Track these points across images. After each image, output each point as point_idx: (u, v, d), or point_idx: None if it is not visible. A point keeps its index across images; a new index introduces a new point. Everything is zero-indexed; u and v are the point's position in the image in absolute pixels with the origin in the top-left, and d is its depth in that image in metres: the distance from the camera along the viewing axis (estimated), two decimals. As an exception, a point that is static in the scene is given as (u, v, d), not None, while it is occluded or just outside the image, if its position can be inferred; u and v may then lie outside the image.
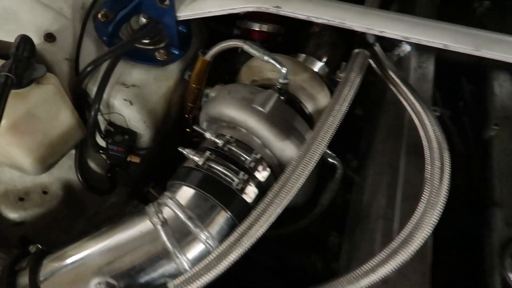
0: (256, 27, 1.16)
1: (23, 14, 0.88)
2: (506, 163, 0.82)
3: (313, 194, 0.92)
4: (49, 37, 0.88)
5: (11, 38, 0.78)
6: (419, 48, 0.99)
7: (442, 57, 1.02)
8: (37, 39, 0.85)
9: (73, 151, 1.00)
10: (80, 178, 1.00)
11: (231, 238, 0.66)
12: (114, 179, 1.03)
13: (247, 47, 0.85)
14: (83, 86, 0.91)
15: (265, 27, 1.15)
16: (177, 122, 1.12)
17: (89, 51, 0.92)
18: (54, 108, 0.83)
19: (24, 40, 0.78)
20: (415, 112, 0.79)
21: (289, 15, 0.85)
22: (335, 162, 0.92)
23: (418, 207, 0.66)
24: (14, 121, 0.76)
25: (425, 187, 0.67)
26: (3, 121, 0.73)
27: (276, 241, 0.94)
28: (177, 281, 0.63)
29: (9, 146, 0.79)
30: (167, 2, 0.90)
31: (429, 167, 0.69)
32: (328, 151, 0.94)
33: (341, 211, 0.94)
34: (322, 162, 0.93)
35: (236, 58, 1.12)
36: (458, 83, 0.99)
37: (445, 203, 0.66)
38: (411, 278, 0.68)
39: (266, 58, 0.84)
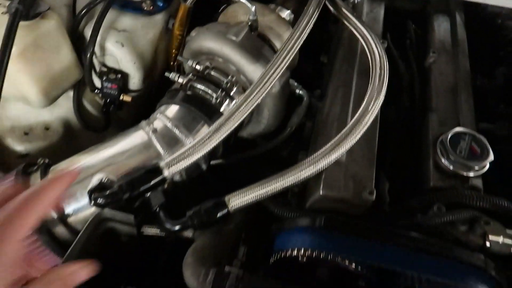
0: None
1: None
2: (441, 80, 0.98)
3: (283, 121, 1.07)
4: (50, -14, 1.01)
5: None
6: (372, -3, 1.15)
7: (392, 5, 1.19)
8: (39, -13, 0.98)
9: (71, 94, 1.13)
10: (78, 116, 1.13)
11: (212, 129, 0.79)
12: (108, 117, 1.16)
13: (222, -10, 1.00)
14: (80, 30, 1.04)
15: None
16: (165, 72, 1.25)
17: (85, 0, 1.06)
18: (56, 43, 0.96)
19: (30, -19, 0.91)
20: (365, 41, 0.94)
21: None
22: (301, 92, 1.07)
23: (361, 107, 0.81)
24: (22, 49, 0.89)
25: (367, 94, 0.82)
26: (13, 49, 0.86)
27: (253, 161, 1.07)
28: (166, 160, 0.76)
29: (18, 73, 0.92)
30: (152, -43, 1.05)
31: (372, 79, 0.84)
32: (296, 84, 1.09)
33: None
34: (291, 94, 1.09)
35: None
36: (405, 25, 1.15)
37: (381, 103, 0.81)
38: (359, 162, 0.83)
39: (238, -3, 0.98)
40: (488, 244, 0.73)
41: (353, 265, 0.72)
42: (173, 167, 0.75)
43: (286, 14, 1.15)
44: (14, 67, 0.90)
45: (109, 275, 0.69)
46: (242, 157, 1.05)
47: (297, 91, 1.06)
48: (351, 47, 1.02)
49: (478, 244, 0.74)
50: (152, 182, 0.74)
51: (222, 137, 0.78)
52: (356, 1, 1.13)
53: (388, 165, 0.89)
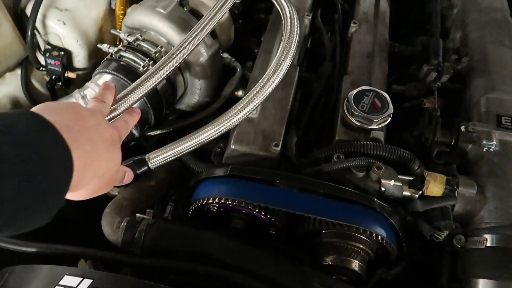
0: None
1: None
2: (359, 48, 1.04)
3: (216, 91, 1.13)
4: (-9, -33, 1.07)
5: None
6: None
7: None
8: (-20, -33, 1.04)
9: (19, 72, 1.19)
10: (25, 93, 1.19)
11: (125, 92, 0.84)
12: (55, 93, 1.22)
13: (152, -33, 1.06)
14: (21, 7, 1.10)
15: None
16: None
17: (26, -20, 1.12)
18: (-5, 20, 1.02)
19: (-33, -39, 0.97)
20: (283, 10, 0.99)
21: None
22: (234, 64, 1.13)
23: (268, 69, 0.86)
24: (-40, 24, 0.95)
25: (276, 56, 0.88)
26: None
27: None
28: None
29: (-43, 47, 0.97)
30: None
31: (283, 42, 0.90)
32: (230, 57, 1.15)
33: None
34: (225, 67, 1.15)
35: None
36: (333, 2, 1.21)
37: (289, 64, 0.86)
38: (271, 119, 0.88)
39: (167, -25, 1.04)
40: (383, 188, 0.79)
41: (261, 212, 0.77)
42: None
43: (221, -8, 1.21)
44: (-48, 42, 0.96)
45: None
46: (177, 126, 1.10)
47: (230, 63, 1.12)
48: (276, 19, 1.09)
49: (374, 189, 0.80)
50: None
51: (138, 97, 0.83)
52: (287, -21, 1.19)
53: (304, 123, 0.95)
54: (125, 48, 1.00)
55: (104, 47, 1.01)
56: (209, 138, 0.83)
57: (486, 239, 0.74)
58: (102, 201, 0.90)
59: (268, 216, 0.78)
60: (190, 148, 0.84)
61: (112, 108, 0.76)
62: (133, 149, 1.05)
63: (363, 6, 1.14)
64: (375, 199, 0.76)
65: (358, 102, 0.87)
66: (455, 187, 0.76)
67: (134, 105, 0.81)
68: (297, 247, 0.83)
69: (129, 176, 0.71)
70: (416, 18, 1.22)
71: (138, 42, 1.01)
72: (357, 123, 0.86)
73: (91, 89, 0.96)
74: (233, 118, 0.83)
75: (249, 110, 0.83)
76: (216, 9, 0.96)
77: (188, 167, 0.93)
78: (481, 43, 0.99)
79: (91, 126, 0.53)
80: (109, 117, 0.73)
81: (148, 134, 1.09)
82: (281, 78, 0.86)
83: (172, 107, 1.15)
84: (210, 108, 1.11)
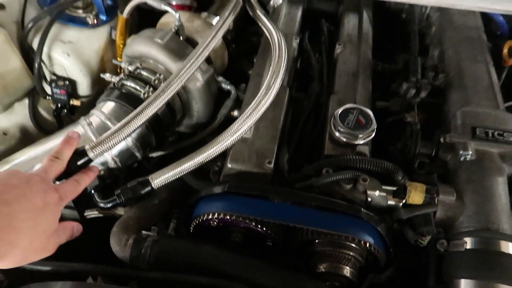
0: (174, 1, 1.45)
1: (-21, -9, 1.15)
2: (344, 68, 1.11)
3: (212, 113, 1.20)
4: (0, 7, 1.16)
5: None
6: (290, 1, 1.30)
7: (309, 7, 1.34)
8: (-10, 8, 1.13)
9: (27, 102, 1.26)
10: (33, 121, 1.26)
11: (129, 118, 0.91)
12: (61, 121, 1.29)
13: (149, 1, 1.14)
14: (28, 42, 1.18)
15: (180, 1, 1.45)
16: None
17: (32, 17, 1.19)
18: (5, 54, 1.10)
19: (-22, 3, 1.05)
20: (271, 36, 1.08)
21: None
22: (229, 87, 1.20)
23: (259, 92, 0.93)
24: (-27, 60, 1.03)
25: (266, 80, 0.95)
26: (-36, 60, 1.00)
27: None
28: (90, 144, 0.88)
29: (-30, 82, 1.05)
30: (91, -23, 1.20)
31: (272, 66, 0.98)
32: (225, 80, 1.22)
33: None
34: (220, 89, 1.22)
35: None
36: (319, 23, 1.29)
37: (279, 87, 0.94)
38: (264, 138, 0.95)
39: (163, 7, 1.13)
40: (369, 198, 0.86)
41: (257, 225, 0.83)
42: (97, 149, 0.86)
43: (215, 20, 1.29)
44: (-34, 77, 1.03)
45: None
46: (178, 147, 1.17)
47: (224, 86, 1.19)
48: (266, 44, 1.16)
49: (362, 200, 0.86)
50: (79, 163, 0.85)
51: (141, 122, 0.90)
52: (275, 5, 1.27)
53: (296, 141, 1.02)
54: (126, 76, 1.07)
55: (107, 76, 1.08)
56: (207, 158, 0.90)
57: (466, 242, 0.80)
58: (109, 221, 0.97)
59: (264, 228, 0.84)
60: (190, 168, 0.91)
61: (105, 139, 0.84)
62: (136, 170, 1.12)
63: (347, 28, 1.22)
64: (362, 209, 0.82)
65: (344, 119, 0.94)
66: (435, 195, 0.83)
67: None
68: (293, 257, 0.89)
69: (77, 230, 0.75)
70: (399, 37, 1.29)
71: (139, 71, 1.09)
72: (344, 139, 0.93)
73: (96, 116, 1.03)
74: (228, 139, 0.90)
75: (243, 131, 0.90)
76: (210, 37, 1.04)
77: (189, 186, 0.99)
78: (456, 59, 1.06)
79: (13, 198, 0.58)
80: (94, 154, 0.81)
81: (150, 155, 1.16)
82: (272, 100, 0.94)
83: (171, 129, 1.22)
84: (207, 129, 1.18)
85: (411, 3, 1.14)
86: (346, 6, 1.30)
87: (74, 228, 0.74)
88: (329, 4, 1.34)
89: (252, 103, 0.92)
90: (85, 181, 0.77)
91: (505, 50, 1.10)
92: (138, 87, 1.05)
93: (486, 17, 1.21)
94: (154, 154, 1.17)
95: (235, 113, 1.20)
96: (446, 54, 1.10)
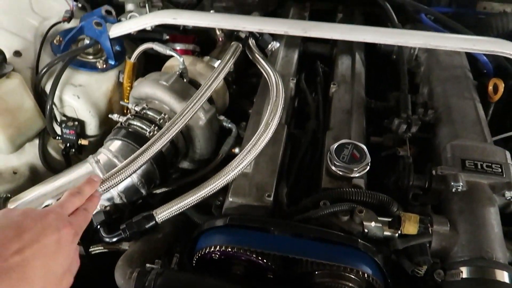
0: (178, 47, 1.55)
1: (-2, 40, 1.25)
2: (338, 106, 1.18)
3: (214, 150, 1.25)
4: (17, 53, 1.24)
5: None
6: (287, 45, 1.39)
7: (305, 50, 1.43)
8: (8, 55, 1.21)
9: (37, 142, 1.32)
10: (42, 161, 1.31)
11: (135, 155, 0.96)
12: (69, 160, 1.34)
13: (156, 47, 1.23)
14: (42, 86, 1.26)
15: (184, 46, 1.54)
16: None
17: (46, 63, 1.28)
18: (19, 97, 1.17)
19: (-3, 51, 1.14)
20: (269, 78, 1.15)
21: (183, 23, 1.25)
22: (230, 125, 1.26)
23: (258, 130, 0.99)
24: (-11, 103, 1.10)
25: (264, 119, 1.01)
26: (-18, 103, 1.07)
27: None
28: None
29: (-14, 123, 1.11)
30: (101, 26, 1.29)
31: (270, 105, 1.04)
32: (226, 119, 1.28)
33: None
34: (222, 127, 1.28)
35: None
36: (315, 64, 1.37)
37: (277, 124, 0.99)
38: (263, 173, 1.00)
39: (168, 52, 1.21)
40: (366, 230, 0.89)
41: (258, 257, 0.86)
42: (104, 185, 0.91)
43: (216, 63, 1.37)
44: (-18, 119, 1.10)
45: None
46: (181, 183, 1.21)
47: (226, 124, 1.25)
48: (265, 84, 1.24)
49: (359, 231, 0.89)
50: (87, 198, 0.89)
51: (145, 159, 0.95)
52: (273, 49, 1.36)
53: (294, 175, 1.06)
54: (133, 116, 1.14)
55: (115, 117, 1.15)
56: (209, 193, 0.94)
57: (462, 272, 0.82)
58: (114, 255, 1.00)
59: (265, 260, 0.86)
60: (192, 202, 0.95)
61: (112, 175, 0.88)
62: (141, 206, 1.16)
63: (341, 69, 1.30)
64: (359, 240, 0.85)
65: (339, 154, 0.98)
66: (429, 225, 0.86)
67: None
68: (293, 288, 0.91)
69: None
70: (390, 76, 1.37)
71: (145, 111, 1.15)
72: (340, 173, 0.97)
73: (103, 154, 1.08)
74: (229, 173, 0.94)
75: (243, 166, 0.95)
76: (212, 79, 1.12)
77: (192, 220, 1.03)
78: (444, 96, 1.13)
79: (26, 245, 0.57)
80: (101, 190, 0.83)
81: (154, 192, 1.20)
82: (271, 136, 0.99)
83: (175, 167, 1.26)
84: (209, 165, 1.22)
85: (399, 45, 1.22)
86: (339, 48, 1.38)
87: None
88: (324, 47, 1.43)
89: (252, 140, 0.97)
90: (92, 207, 0.77)
91: (490, 87, 1.16)
92: (144, 126, 1.11)
93: (471, 57, 1.29)
94: (159, 191, 1.21)
95: (236, 150, 1.25)
96: (434, 92, 1.17)
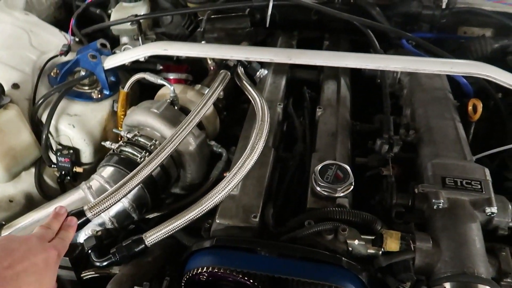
0: (171, 76, 1.61)
1: (-3, 73, 1.30)
2: (325, 128, 1.21)
3: (205, 174, 1.28)
4: (15, 86, 1.30)
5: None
6: (275, 72, 1.45)
7: (293, 76, 1.48)
8: (7, 87, 1.26)
9: (33, 170, 1.36)
10: (38, 189, 1.34)
11: (125, 180, 0.99)
12: (64, 187, 1.37)
13: (147, 77, 1.28)
14: (38, 116, 1.30)
15: (177, 76, 1.60)
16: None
17: (43, 94, 1.33)
18: (16, 128, 1.21)
19: (-4, 84, 1.19)
20: (255, 103, 1.20)
21: (173, 53, 1.31)
22: (220, 150, 1.30)
23: (243, 155, 1.02)
24: (-13, 134, 1.14)
25: (250, 142, 1.05)
26: (-21, 134, 1.11)
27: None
28: (88, 205, 0.95)
29: (-17, 154, 1.15)
30: (96, 58, 1.35)
31: (256, 129, 1.08)
32: (216, 144, 1.32)
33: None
34: (212, 152, 1.31)
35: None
36: (302, 90, 1.42)
37: (262, 147, 1.03)
38: (250, 195, 1.02)
39: (159, 81, 1.26)
40: (350, 248, 0.90)
41: (245, 277, 0.87)
42: (94, 209, 0.94)
43: (206, 90, 1.42)
44: (-21, 149, 1.14)
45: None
46: (173, 208, 1.23)
47: (216, 149, 1.29)
48: (253, 110, 1.28)
49: (343, 249, 0.91)
50: (78, 222, 0.92)
51: (136, 183, 0.98)
52: (261, 76, 1.41)
53: (282, 196, 1.09)
54: (125, 143, 1.18)
55: (108, 144, 1.19)
56: (197, 215, 0.97)
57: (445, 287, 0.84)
58: (103, 279, 1.01)
59: (251, 281, 0.87)
60: (181, 225, 0.97)
61: (103, 199, 0.92)
62: (134, 232, 1.17)
63: (327, 93, 1.35)
64: (343, 258, 0.86)
65: (323, 175, 1.01)
66: (410, 242, 0.87)
67: (133, 191, 0.97)
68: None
69: None
70: (375, 99, 1.41)
71: (136, 138, 1.19)
72: (324, 193, 1.00)
73: (95, 180, 1.11)
74: (216, 196, 0.97)
75: (230, 188, 0.98)
76: (201, 105, 1.16)
77: (181, 244, 1.04)
78: (426, 117, 1.16)
79: (16, 262, 0.62)
80: (91, 215, 0.90)
81: (147, 217, 1.22)
82: (257, 159, 1.02)
83: (167, 192, 1.29)
84: (200, 190, 1.24)
85: (380, 69, 1.27)
86: (325, 74, 1.44)
87: None
88: (311, 73, 1.48)
89: (238, 162, 1.00)
90: (69, 236, 0.82)
91: (470, 107, 1.20)
92: (135, 152, 1.15)
93: (452, 79, 1.34)
94: (151, 216, 1.23)
95: (227, 174, 1.28)
96: (416, 113, 1.21)
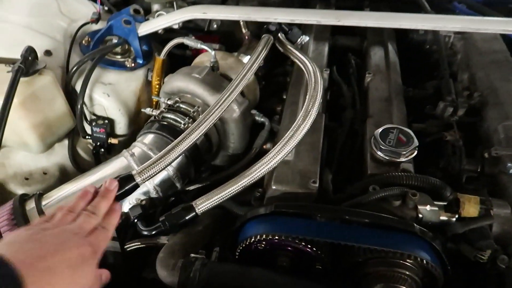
0: (203, 46, 1.53)
1: (29, 40, 1.24)
2: (376, 94, 1.14)
3: (248, 143, 1.22)
4: (47, 53, 1.24)
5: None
6: (316, 39, 1.37)
7: (335, 44, 1.41)
8: (39, 54, 1.20)
9: (66, 142, 1.30)
10: (72, 161, 1.29)
11: (170, 147, 0.92)
12: (99, 159, 1.32)
13: (186, 41, 1.21)
14: (72, 85, 1.24)
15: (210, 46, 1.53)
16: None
17: (75, 62, 1.27)
18: (51, 95, 1.16)
19: (30, 48, 1.13)
20: (305, 67, 1.12)
21: (213, 17, 1.23)
22: (263, 119, 1.23)
23: (297, 118, 0.95)
24: (23, 99, 1.08)
25: (304, 107, 0.98)
26: (15, 99, 1.05)
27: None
28: (137, 169, 0.89)
29: (18, 120, 1.10)
30: (130, 24, 1.28)
31: (309, 93, 1.01)
32: (258, 113, 1.25)
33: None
34: (254, 122, 1.25)
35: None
36: (346, 57, 1.34)
37: (317, 111, 0.96)
38: (305, 160, 0.96)
39: (199, 45, 1.19)
40: (420, 214, 0.84)
41: (307, 245, 0.81)
42: (143, 174, 0.87)
43: (245, 58, 1.35)
44: (15, 115, 1.08)
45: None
46: (215, 179, 1.17)
47: (258, 118, 1.22)
48: (298, 75, 1.21)
49: (412, 216, 0.84)
50: (126, 187, 0.86)
51: (180, 151, 0.92)
52: (302, 42, 1.33)
53: (336, 163, 1.02)
54: (166, 110, 1.11)
55: (148, 110, 1.12)
56: (251, 181, 0.90)
57: (528, 256, 0.77)
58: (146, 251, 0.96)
59: (314, 249, 0.81)
60: (234, 191, 0.90)
61: (151, 165, 0.86)
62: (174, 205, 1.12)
63: (374, 59, 1.27)
64: (415, 225, 0.80)
65: (384, 139, 0.94)
66: (490, 207, 0.80)
67: (177, 160, 0.91)
68: (344, 280, 0.85)
69: (106, 277, 0.71)
70: (423, 67, 1.33)
71: (178, 104, 1.13)
72: (386, 157, 0.93)
73: (138, 147, 1.05)
74: (271, 160, 0.90)
75: (285, 152, 0.91)
76: (245, 70, 1.09)
77: (231, 213, 0.98)
78: (488, 80, 1.08)
79: (48, 253, 0.57)
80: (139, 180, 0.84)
81: (187, 189, 1.16)
82: (311, 124, 0.95)
83: (208, 163, 1.23)
84: (243, 160, 1.18)
85: (435, 32, 1.19)
86: (370, 40, 1.36)
87: (103, 275, 0.70)
88: (354, 40, 1.41)
89: (292, 127, 0.93)
90: (112, 224, 0.74)
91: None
92: (178, 119, 1.09)
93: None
94: (192, 187, 1.17)
95: (268, 146, 1.21)
96: (476, 77, 1.12)
